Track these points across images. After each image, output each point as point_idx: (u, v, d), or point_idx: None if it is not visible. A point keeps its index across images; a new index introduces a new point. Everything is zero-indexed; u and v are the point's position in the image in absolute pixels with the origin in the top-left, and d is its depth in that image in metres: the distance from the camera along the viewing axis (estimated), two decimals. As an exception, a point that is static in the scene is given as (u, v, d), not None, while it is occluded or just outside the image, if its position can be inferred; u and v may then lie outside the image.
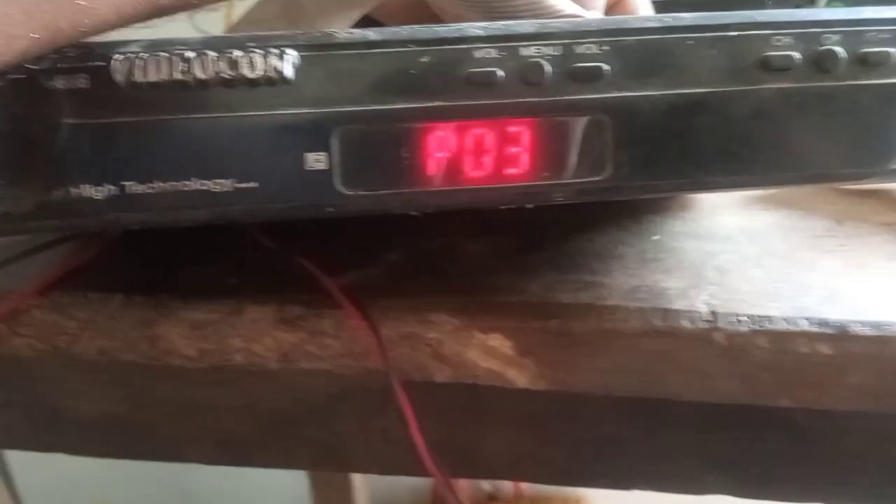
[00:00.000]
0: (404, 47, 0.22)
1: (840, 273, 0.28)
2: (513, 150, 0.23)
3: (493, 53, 0.22)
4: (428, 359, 0.28)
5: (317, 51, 0.22)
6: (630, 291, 0.27)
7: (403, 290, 0.29)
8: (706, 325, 0.26)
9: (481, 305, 0.27)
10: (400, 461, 0.32)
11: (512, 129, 0.23)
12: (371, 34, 0.22)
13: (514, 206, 0.24)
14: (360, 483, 1.15)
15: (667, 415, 0.30)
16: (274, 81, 0.21)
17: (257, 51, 0.21)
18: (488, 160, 0.23)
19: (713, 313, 0.26)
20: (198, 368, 0.30)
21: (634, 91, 0.22)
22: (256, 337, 0.29)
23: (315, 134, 0.22)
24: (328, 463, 0.37)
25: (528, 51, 0.22)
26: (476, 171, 0.23)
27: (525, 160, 0.23)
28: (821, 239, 0.31)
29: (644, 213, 0.35)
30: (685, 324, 0.26)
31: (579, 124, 0.22)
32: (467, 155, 0.23)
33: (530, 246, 0.32)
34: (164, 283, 0.30)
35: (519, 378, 0.27)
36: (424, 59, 0.22)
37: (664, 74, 0.22)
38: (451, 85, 0.22)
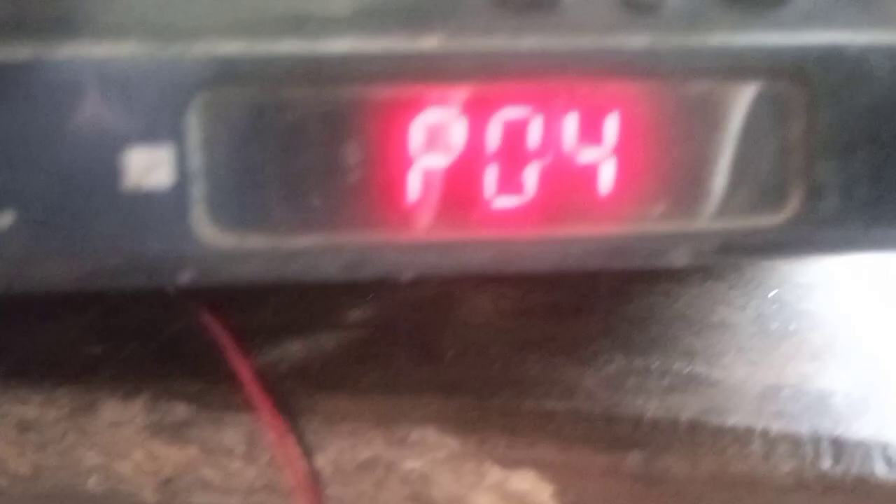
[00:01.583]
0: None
1: None
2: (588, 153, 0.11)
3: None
4: (404, 504, 0.17)
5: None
6: (762, 397, 0.16)
7: (364, 380, 0.19)
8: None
9: (500, 415, 0.17)
10: None
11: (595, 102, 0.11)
12: None
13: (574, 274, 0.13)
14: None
15: None
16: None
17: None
18: (529, 177, 0.12)
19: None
20: (30, 494, 0.20)
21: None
22: (122, 450, 0.19)
23: (154, 111, 0.11)
24: None
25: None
26: (504, 202, 0.12)
27: (610, 178, 0.11)
28: None
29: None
30: (880, 469, 0.14)
31: (738, 97, 0.11)
32: (488, 168, 0.11)
33: (571, 303, 0.20)
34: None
35: (563, 552, 0.16)
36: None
37: None
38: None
